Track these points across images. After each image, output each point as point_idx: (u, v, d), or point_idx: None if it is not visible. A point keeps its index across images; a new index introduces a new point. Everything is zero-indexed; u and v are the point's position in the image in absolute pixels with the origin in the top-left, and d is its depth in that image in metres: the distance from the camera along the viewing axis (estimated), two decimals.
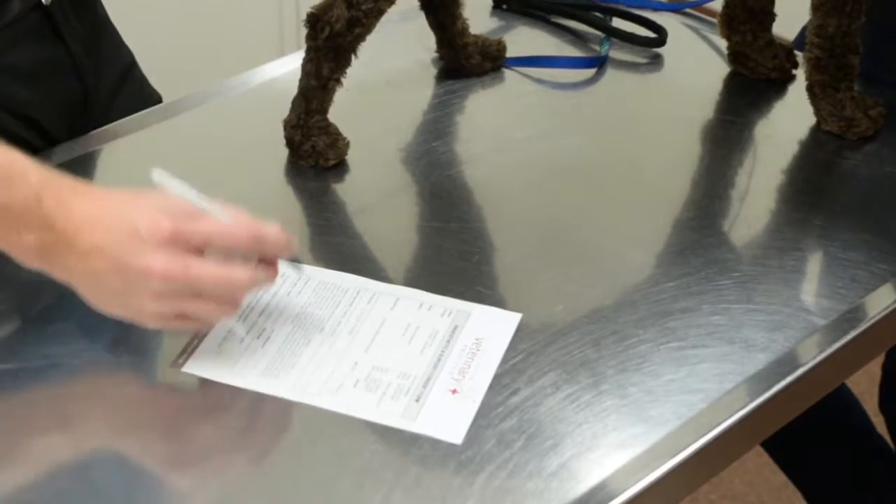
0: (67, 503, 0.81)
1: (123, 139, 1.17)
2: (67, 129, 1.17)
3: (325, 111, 1.12)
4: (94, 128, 1.19)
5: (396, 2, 1.11)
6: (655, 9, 1.37)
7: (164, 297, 0.85)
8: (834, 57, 1.15)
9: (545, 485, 0.82)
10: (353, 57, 1.11)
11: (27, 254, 0.86)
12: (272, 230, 0.88)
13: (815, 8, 1.15)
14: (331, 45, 1.09)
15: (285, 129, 1.13)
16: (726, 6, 1.25)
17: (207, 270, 0.85)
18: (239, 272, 0.87)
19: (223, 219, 0.87)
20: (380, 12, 1.10)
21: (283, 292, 0.97)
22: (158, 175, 0.89)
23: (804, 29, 1.32)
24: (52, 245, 0.85)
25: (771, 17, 1.25)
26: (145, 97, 1.27)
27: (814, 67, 1.17)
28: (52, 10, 1.13)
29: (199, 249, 0.85)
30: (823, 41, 1.15)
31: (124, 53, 1.28)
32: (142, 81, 1.30)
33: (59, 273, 0.87)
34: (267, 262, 0.89)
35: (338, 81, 1.12)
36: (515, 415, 0.87)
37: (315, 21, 1.10)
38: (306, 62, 1.11)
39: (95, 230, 0.85)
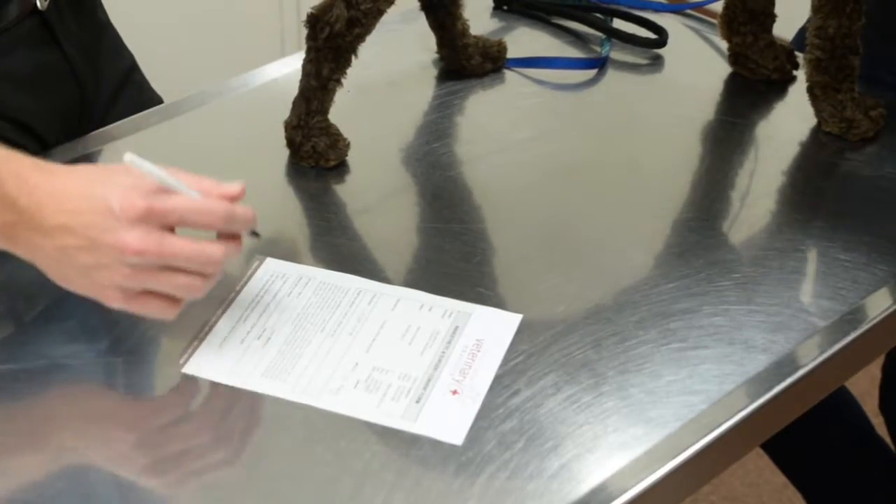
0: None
1: (123, 140, 1.17)
2: (64, 134, 1.16)
3: (325, 112, 1.12)
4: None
5: (396, 2, 1.11)
6: (656, 10, 1.37)
7: (136, 272, 0.85)
8: (835, 58, 1.15)
9: (546, 486, 0.82)
10: (353, 57, 1.11)
11: None
12: (241, 208, 0.88)
13: (816, 9, 1.15)
14: (331, 46, 1.10)
15: (286, 130, 1.13)
16: (726, 8, 1.25)
17: (182, 245, 0.86)
18: (212, 247, 0.87)
19: (193, 195, 0.87)
20: (379, 12, 1.10)
21: (283, 293, 0.97)
22: (130, 158, 0.88)
23: (802, 30, 1.32)
24: (14, 224, 0.85)
25: (771, 18, 1.25)
26: (146, 101, 1.26)
27: (814, 69, 1.17)
28: (49, 15, 1.13)
29: (171, 226, 0.86)
30: (824, 42, 1.15)
31: (125, 57, 1.28)
32: (142, 85, 1.30)
33: (23, 251, 0.87)
34: (229, 235, 0.89)
35: (338, 82, 1.12)
36: (516, 416, 0.87)
37: (315, 21, 1.10)
38: (306, 63, 1.11)
39: (63, 208, 0.85)
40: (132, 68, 1.29)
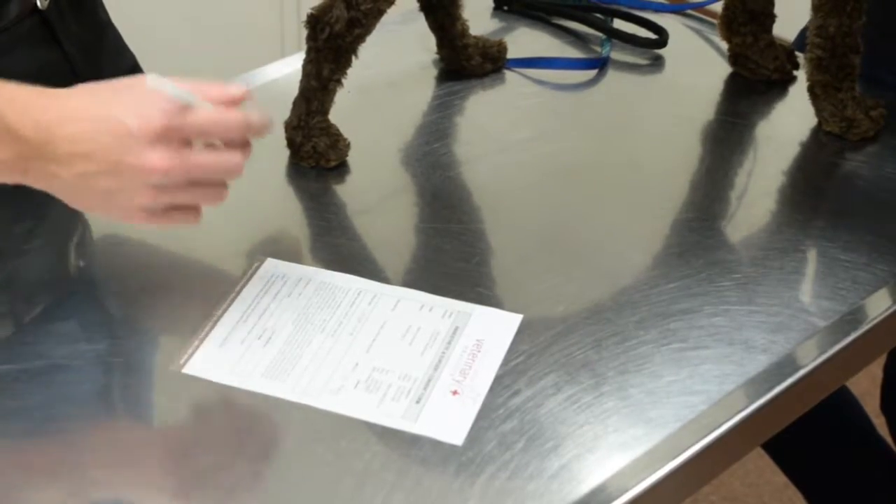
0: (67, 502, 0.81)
1: None
2: None
3: (325, 112, 1.12)
4: None
5: (396, 3, 1.11)
6: (656, 10, 1.37)
7: (162, 191, 0.85)
8: (835, 57, 1.15)
9: (546, 486, 0.82)
10: (353, 58, 1.11)
11: (1, 170, 0.85)
12: (254, 115, 0.88)
13: (816, 8, 1.15)
14: (331, 46, 1.10)
15: (286, 131, 1.13)
16: (726, 8, 1.25)
17: (204, 159, 0.86)
18: (232, 156, 0.87)
19: (207, 108, 0.87)
20: (379, 13, 1.10)
21: (283, 293, 0.97)
22: (152, 81, 0.87)
23: (804, 30, 1.32)
24: (24, 156, 0.84)
25: (771, 18, 1.25)
26: None
27: (815, 68, 1.17)
28: (49, 14, 1.13)
29: (189, 140, 0.86)
30: (824, 41, 1.15)
31: (127, 57, 1.28)
32: None
33: (39, 182, 0.86)
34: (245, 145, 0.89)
35: (338, 82, 1.12)
36: (516, 416, 0.87)
37: (315, 22, 1.10)
38: (307, 63, 1.11)
39: (77, 134, 0.84)
40: (134, 68, 1.29)
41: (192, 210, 0.89)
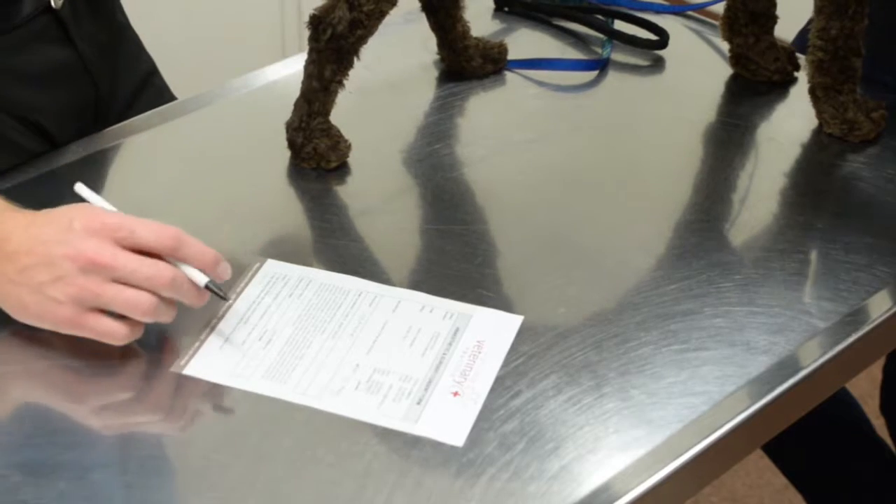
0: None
1: (125, 141, 1.17)
2: (77, 134, 1.16)
3: (327, 113, 1.12)
4: None
5: (399, 4, 1.11)
6: (657, 11, 1.37)
7: (89, 283, 0.87)
8: (836, 60, 1.15)
9: (546, 487, 0.82)
10: (355, 59, 1.11)
11: None
12: (196, 242, 0.91)
13: (818, 10, 1.15)
14: (333, 47, 1.10)
15: (287, 132, 1.13)
16: (728, 9, 1.25)
17: (132, 257, 0.88)
18: (164, 266, 0.89)
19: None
20: (381, 14, 1.10)
21: (284, 294, 0.97)
22: (80, 188, 0.94)
23: (803, 31, 1.32)
24: None
25: (772, 20, 1.25)
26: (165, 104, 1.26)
27: (816, 70, 1.17)
28: (63, 13, 1.13)
29: (126, 245, 0.88)
30: (826, 44, 1.15)
31: (144, 60, 1.28)
32: (162, 89, 1.30)
33: None
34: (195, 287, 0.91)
35: (340, 83, 1.12)
36: (517, 417, 0.87)
37: (317, 23, 1.10)
38: (308, 64, 1.11)
39: (27, 234, 0.88)
40: (152, 72, 1.29)
41: (120, 323, 0.89)
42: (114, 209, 0.93)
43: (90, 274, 0.87)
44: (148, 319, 0.89)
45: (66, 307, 0.88)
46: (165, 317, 0.90)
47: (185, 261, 0.91)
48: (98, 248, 0.87)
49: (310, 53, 1.11)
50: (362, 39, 1.10)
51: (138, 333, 0.90)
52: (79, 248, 0.87)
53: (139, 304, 0.88)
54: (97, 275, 0.87)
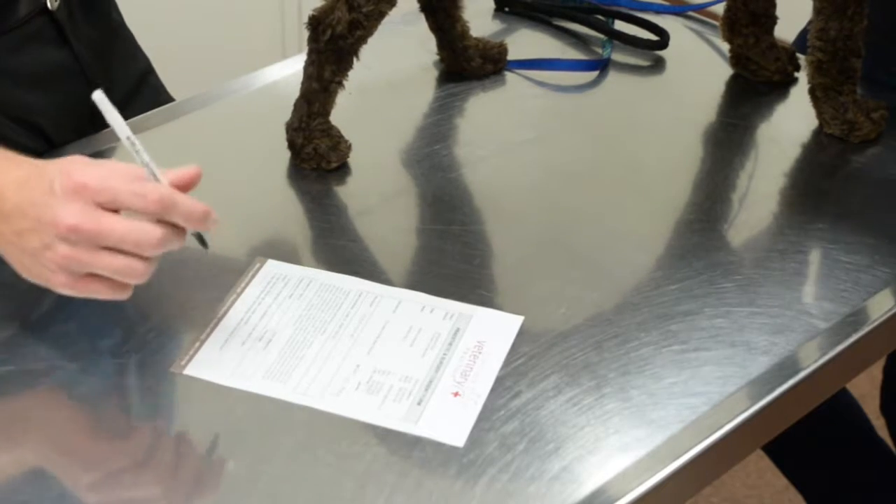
0: None
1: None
2: (74, 135, 1.16)
3: (327, 114, 1.12)
4: None
5: (398, 4, 1.11)
6: (657, 11, 1.37)
7: (75, 252, 0.84)
8: (836, 60, 1.15)
9: (547, 488, 0.82)
10: (354, 59, 1.11)
11: None
12: (184, 197, 0.86)
13: (817, 11, 1.15)
14: (332, 48, 1.10)
15: (287, 132, 1.13)
16: (728, 10, 1.25)
17: (117, 222, 0.84)
18: (148, 227, 0.84)
19: (152, 168, 0.87)
20: (381, 14, 1.10)
21: (284, 295, 0.97)
22: (98, 97, 0.87)
23: (803, 31, 1.32)
24: None
25: (773, 20, 1.25)
26: (161, 105, 1.26)
27: (816, 70, 1.17)
28: (59, 14, 1.13)
29: (112, 208, 0.84)
30: (825, 44, 1.15)
31: (140, 60, 1.28)
32: (158, 89, 1.29)
33: None
34: (178, 228, 0.87)
35: (339, 84, 1.12)
36: (517, 418, 0.87)
37: (317, 23, 1.10)
38: (308, 65, 1.11)
39: (21, 193, 0.85)
40: (148, 71, 1.29)
41: (116, 284, 0.86)
42: (126, 129, 0.88)
43: (75, 243, 0.83)
44: (142, 281, 0.87)
45: (58, 275, 0.85)
46: (154, 268, 0.87)
47: (175, 223, 0.86)
48: (79, 214, 0.83)
49: (309, 54, 1.11)
50: (361, 40, 1.10)
51: (131, 289, 0.88)
52: (59, 215, 0.83)
53: (133, 270, 0.85)
54: (82, 243, 0.84)
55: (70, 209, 0.83)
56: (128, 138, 0.88)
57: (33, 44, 1.11)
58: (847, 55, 1.15)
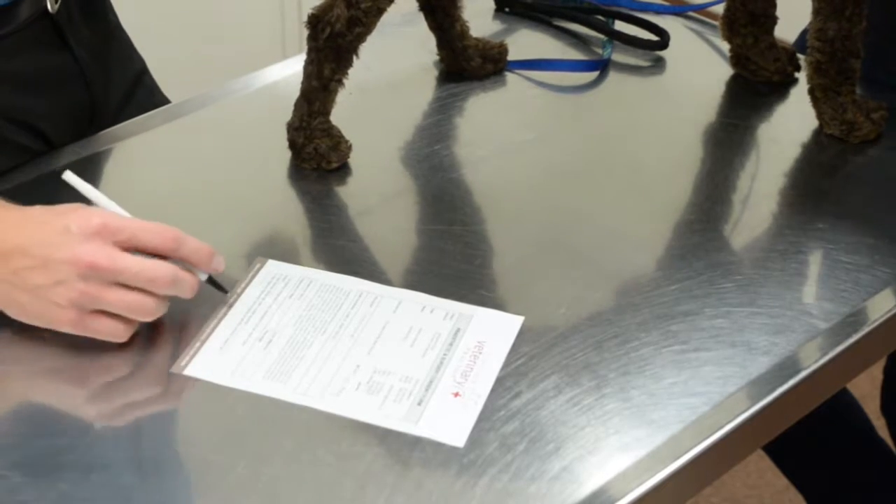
0: None
1: (126, 142, 1.17)
2: (74, 137, 1.17)
3: (327, 113, 1.12)
4: None
5: (398, 3, 1.11)
6: (657, 11, 1.37)
7: (89, 288, 0.87)
8: (835, 61, 1.15)
9: (547, 488, 0.82)
10: (354, 57, 1.11)
11: None
12: (194, 240, 0.91)
13: (816, 12, 1.15)
14: (332, 45, 1.09)
15: (288, 132, 1.13)
16: (728, 10, 1.25)
17: (133, 260, 0.88)
18: (161, 264, 0.89)
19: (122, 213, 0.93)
20: (379, 11, 1.10)
21: (285, 295, 0.97)
22: (69, 177, 0.94)
23: (804, 32, 1.32)
24: None
25: (772, 20, 1.25)
26: (156, 105, 1.26)
27: (815, 71, 1.17)
28: (59, 17, 1.13)
29: (126, 247, 0.88)
30: (824, 45, 1.15)
31: (135, 60, 1.28)
32: (153, 89, 1.30)
33: None
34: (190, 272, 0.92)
35: (339, 82, 1.12)
36: (517, 418, 0.87)
37: (316, 22, 1.10)
38: (308, 63, 1.11)
39: (19, 233, 0.88)
40: (143, 72, 1.29)
41: (121, 322, 0.89)
42: (104, 197, 0.94)
43: (90, 279, 0.87)
44: (150, 319, 0.90)
45: (66, 311, 0.88)
46: (164, 310, 0.91)
47: (184, 259, 0.91)
48: (97, 252, 0.87)
49: (309, 53, 1.11)
50: (361, 37, 1.10)
51: (135, 327, 0.91)
52: (77, 253, 0.87)
53: (142, 307, 0.89)
54: (97, 279, 0.87)
55: (89, 247, 0.87)
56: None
57: (33, 47, 1.11)
58: (846, 56, 1.15)
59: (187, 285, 0.91)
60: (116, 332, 0.90)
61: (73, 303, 0.88)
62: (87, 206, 0.91)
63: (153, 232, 0.90)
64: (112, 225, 0.88)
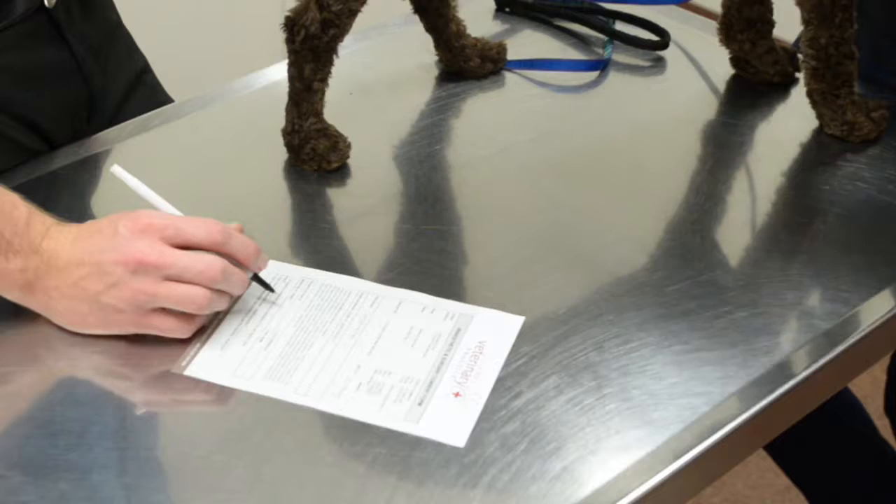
0: None
1: (126, 142, 1.17)
2: (72, 132, 1.17)
3: (318, 113, 1.12)
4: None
5: (397, 4, 1.11)
6: (658, 2, 1.37)
7: (143, 285, 0.88)
8: (830, 66, 1.15)
9: (548, 488, 0.82)
10: (334, 57, 1.11)
11: (10, 279, 0.90)
12: (241, 236, 0.93)
13: (806, 22, 1.15)
14: (308, 48, 1.09)
15: (283, 138, 1.13)
16: (724, 16, 1.24)
17: (181, 253, 0.89)
18: (213, 259, 0.90)
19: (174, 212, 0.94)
20: (351, 13, 1.10)
21: (285, 295, 0.97)
22: (117, 170, 0.95)
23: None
24: (35, 268, 0.89)
25: (769, 25, 1.24)
26: (159, 103, 1.26)
27: (811, 77, 1.16)
28: (57, 12, 1.13)
29: (174, 243, 0.90)
30: (818, 52, 1.14)
31: (137, 58, 1.28)
32: (155, 87, 1.30)
33: (40, 298, 0.91)
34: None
35: (323, 81, 1.11)
36: (518, 418, 0.87)
37: (291, 24, 1.10)
38: (289, 66, 1.11)
39: (75, 247, 0.89)
40: (144, 70, 1.29)
41: (181, 318, 0.90)
42: (153, 192, 0.95)
43: (141, 275, 0.88)
44: (205, 312, 0.91)
45: (125, 313, 0.89)
46: (220, 305, 0.92)
47: (231, 254, 0.92)
48: (146, 248, 0.88)
49: (288, 55, 1.11)
50: (336, 38, 1.10)
51: (200, 323, 0.92)
52: (127, 252, 0.88)
53: (195, 299, 0.89)
54: (149, 275, 0.88)
55: (138, 245, 0.88)
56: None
57: (31, 42, 1.11)
58: (840, 59, 1.14)
59: (237, 279, 0.91)
60: (178, 329, 0.91)
61: (128, 303, 0.89)
62: (138, 210, 0.92)
63: (199, 226, 0.90)
64: (158, 222, 0.89)
